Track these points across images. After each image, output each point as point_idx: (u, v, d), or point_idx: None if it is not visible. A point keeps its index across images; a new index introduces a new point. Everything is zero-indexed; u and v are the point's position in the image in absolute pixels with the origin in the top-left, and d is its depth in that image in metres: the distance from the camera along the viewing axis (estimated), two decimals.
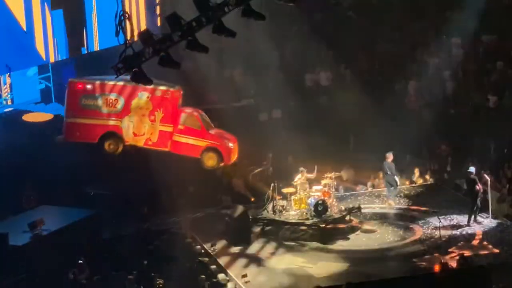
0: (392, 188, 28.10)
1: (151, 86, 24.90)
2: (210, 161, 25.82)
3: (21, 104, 31.18)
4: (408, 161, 30.62)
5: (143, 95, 25.51)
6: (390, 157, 27.96)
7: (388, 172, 27.96)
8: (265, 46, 31.43)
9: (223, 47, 30.92)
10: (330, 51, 33.83)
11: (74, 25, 31.35)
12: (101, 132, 25.59)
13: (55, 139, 26.54)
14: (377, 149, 28.75)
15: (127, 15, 18.09)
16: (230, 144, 26.03)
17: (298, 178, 26.57)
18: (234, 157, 26.35)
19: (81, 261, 22.72)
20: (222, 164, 26.07)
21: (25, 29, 29.86)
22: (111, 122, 25.54)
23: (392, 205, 28.00)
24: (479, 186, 26.05)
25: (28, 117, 30.63)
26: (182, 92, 26.13)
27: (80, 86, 25.94)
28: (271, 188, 26.32)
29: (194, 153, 25.85)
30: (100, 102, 25.49)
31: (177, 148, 25.83)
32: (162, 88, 25.48)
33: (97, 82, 25.67)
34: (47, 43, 30.66)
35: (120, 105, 25.49)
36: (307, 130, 30.04)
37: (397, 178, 28.07)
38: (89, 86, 25.74)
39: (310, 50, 33.99)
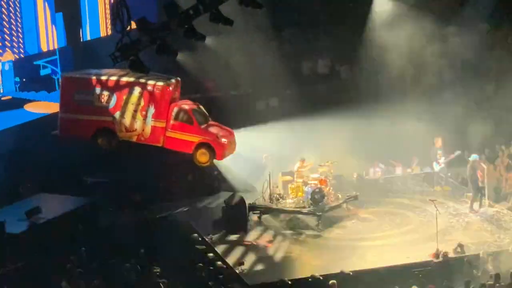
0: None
1: (143, 81, 24.72)
2: (202, 157, 25.58)
3: (21, 93, 31.08)
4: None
5: (134, 91, 25.21)
6: (438, 142, 28.02)
7: (437, 157, 28.04)
8: (262, 33, 31.32)
9: (220, 34, 30.79)
10: (328, 39, 33.69)
11: (72, 23, 31.38)
12: (94, 128, 25.38)
13: (50, 134, 26.45)
14: (375, 138, 28.66)
15: (124, 4, 18.09)
16: (224, 140, 25.68)
17: (298, 167, 26.56)
18: (230, 152, 26.00)
19: (79, 250, 22.74)
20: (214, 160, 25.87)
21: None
22: (104, 118, 25.32)
23: (440, 190, 28.19)
24: (479, 174, 26.10)
25: (29, 107, 30.61)
26: (173, 87, 25.69)
27: (73, 81, 25.72)
28: (268, 176, 26.31)
29: (187, 149, 25.62)
30: (92, 97, 25.27)
31: (170, 143, 25.58)
32: (153, 83, 25.11)
33: (90, 77, 25.41)
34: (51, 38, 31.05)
35: (112, 100, 25.24)
36: (304, 118, 29.95)
37: (436, 165, 28.15)
38: (82, 81, 25.49)
39: (308, 38, 33.88)
